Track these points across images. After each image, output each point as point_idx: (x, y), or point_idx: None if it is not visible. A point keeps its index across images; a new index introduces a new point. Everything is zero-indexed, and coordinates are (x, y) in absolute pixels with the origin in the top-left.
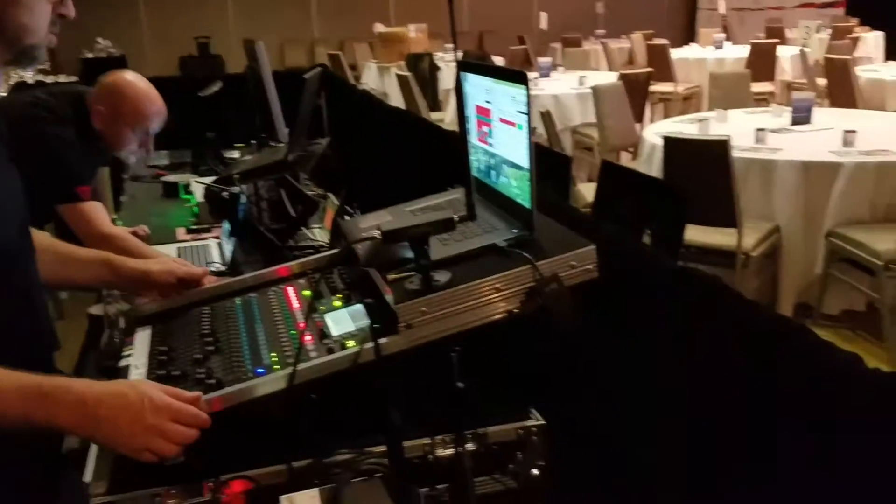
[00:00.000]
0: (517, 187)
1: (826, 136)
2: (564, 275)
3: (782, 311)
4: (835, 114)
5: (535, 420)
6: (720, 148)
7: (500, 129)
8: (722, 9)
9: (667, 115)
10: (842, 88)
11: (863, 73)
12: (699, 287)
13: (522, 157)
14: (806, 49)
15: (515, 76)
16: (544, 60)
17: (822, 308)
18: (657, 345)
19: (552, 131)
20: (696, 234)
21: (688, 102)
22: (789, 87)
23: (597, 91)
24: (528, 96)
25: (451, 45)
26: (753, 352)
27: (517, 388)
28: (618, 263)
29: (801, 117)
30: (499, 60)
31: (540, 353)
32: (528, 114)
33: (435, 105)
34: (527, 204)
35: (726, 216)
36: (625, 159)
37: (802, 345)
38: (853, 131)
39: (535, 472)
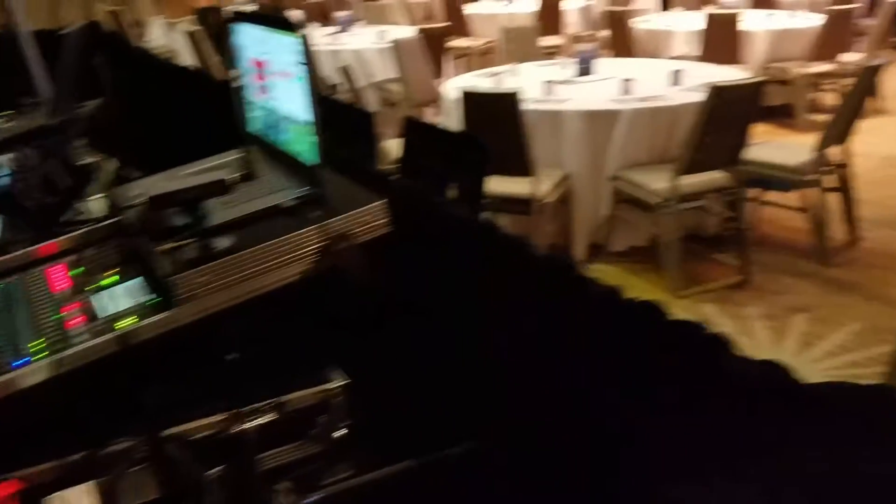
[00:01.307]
0: (301, 143)
1: (607, 85)
2: (356, 231)
3: (577, 251)
4: (616, 64)
5: (339, 380)
6: (511, 101)
7: (279, 82)
8: None
9: (468, 70)
10: (622, 39)
11: (639, 23)
12: (486, 234)
13: (304, 111)
14: (590, 2)
15: (289, 25)
16: (343, 14)
17: (611, 246)
18: (451, 292)
19: (354, 87)
20: (496, 184)
21: (486, 57)
22: (576, 39)
23: (397, 46)
24: (306, 46)
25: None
26: (532, 291)
27: (318, 349)
28: (412, 216)
29: (585, 68)
30: (296, 14)
31: (338, 312)
32: (308, 64)
33: (232, 62)
34: (312, 160)
35: (522, 166)
36: (431, 114)
37: (571, 282)
38: (630, 79)
39: (339, 433)
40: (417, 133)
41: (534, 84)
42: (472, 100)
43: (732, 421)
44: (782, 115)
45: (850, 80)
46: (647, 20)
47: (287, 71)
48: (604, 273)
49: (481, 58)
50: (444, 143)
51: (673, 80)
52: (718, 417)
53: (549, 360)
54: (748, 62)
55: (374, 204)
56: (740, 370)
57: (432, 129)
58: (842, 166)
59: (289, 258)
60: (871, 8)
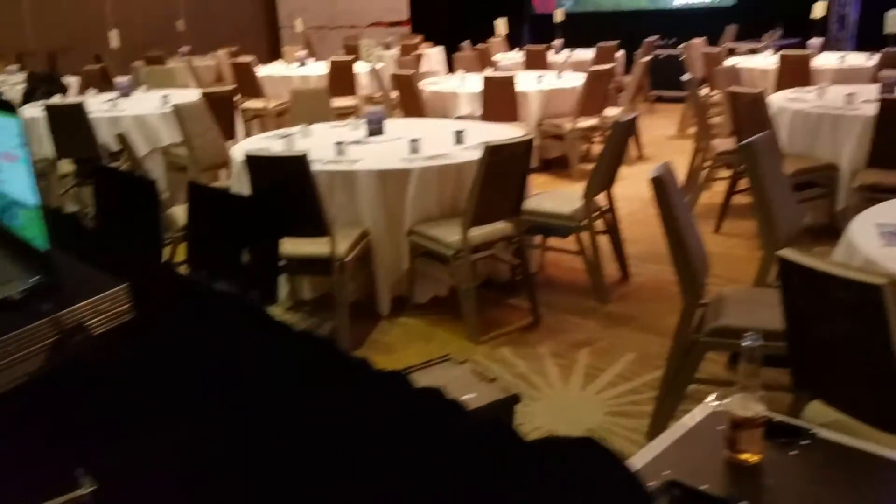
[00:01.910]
0: (32, 228)
1: (397, 144)
2: (93, 321)
3: (381, 305)
4: (405, 124)
5: (87, 487)
6: (299, 163)
7: (4, 165)
8: (299, 28)
9: (263, 131)
10: (411, 101)
11: (426, 85)
12: (246, 316)
13: (28, 194)
14: (378, 65)
15: (7, 106)
16: (122, 80)
17: (415, 299)
18: (209, 384)
19: (133, 155)
20: (292, 246)
21: (282, 118)
22: (369, 100)
23: (178, 110)
24: (22, 126)
25: (14, 67)
26: (290, 375)
27: (60, 454)
28: (160, 299)
29: (375, 129)
30: (74, 81)
31: (81, 412)
32: (26, 145)
33: None
34: (42, 245)
35: (318, 227)
36: (225, 176)
37: (328, 361)
38: (417, 139)
39: None
40: (202, 198)
41: (325, 145)
42: (257, 163)
43: (453, 485)
44: (559, 166)
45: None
46: (434, 82)
47: (10, 153)
48: (408, 326)
49: (277, 119)
50: (231, 207)
51: (456, 139)
52: (442, 482)
53: (308, 448)
54: (525, 120)
55: (113, 289)
56: (467, 434)
57: (218, 194)
58: (608, 210)
59: (17, 357)
60: (629, 66)
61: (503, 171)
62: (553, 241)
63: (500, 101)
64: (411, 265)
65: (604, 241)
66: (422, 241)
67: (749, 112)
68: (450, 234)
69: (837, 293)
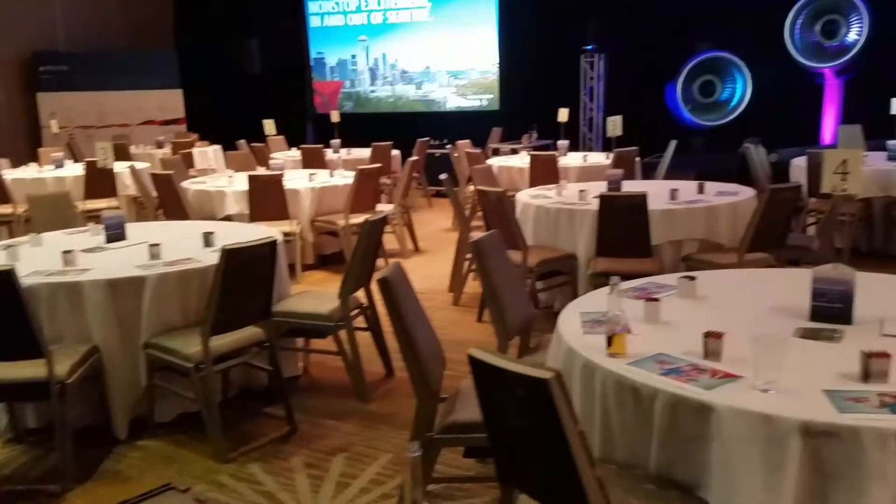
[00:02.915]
0: None
1: (135, 251)
2: None
3: (117, 429)
4: (154, 227)
5: None
6: (4, 279)
7: None
8: (54, 128)
9: (11, 238)
10: (173, 201)
11: (192, 185)
12: None
13: None
14: (141, 165)
15: None
16: None
17: (157, 417)
18: None
19: None
20: (3, 370)
21: (30, 224)
22: (135, 200)
23: None
24: None
25: None
26: None
27: None
28: None
29: (115, 234)
30: None
31: None
32: None
33: None
34: None
35: (29, 348)
36: None
37: None
38: (158, 244)
39: None
40: None
41: (55, 254)
42: None
43: None
44: (336, 262)
45: (386, 228)
46: (201, 182)
47: None
48: (149, 449)
49: (26, 225)
50: None
51: (205, 242)
52: None
53: None
54: (297, 217)
55: None
56: None
57: None
58: (368, 307)
59: None
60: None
61: (245, 275)
62: (317, 342)
63: (267, 199)
64: (149, 382)
65: (367, 339)
66: (159, 355)
67: (494, 208)
68: (189, 346)
69: (514, 388)
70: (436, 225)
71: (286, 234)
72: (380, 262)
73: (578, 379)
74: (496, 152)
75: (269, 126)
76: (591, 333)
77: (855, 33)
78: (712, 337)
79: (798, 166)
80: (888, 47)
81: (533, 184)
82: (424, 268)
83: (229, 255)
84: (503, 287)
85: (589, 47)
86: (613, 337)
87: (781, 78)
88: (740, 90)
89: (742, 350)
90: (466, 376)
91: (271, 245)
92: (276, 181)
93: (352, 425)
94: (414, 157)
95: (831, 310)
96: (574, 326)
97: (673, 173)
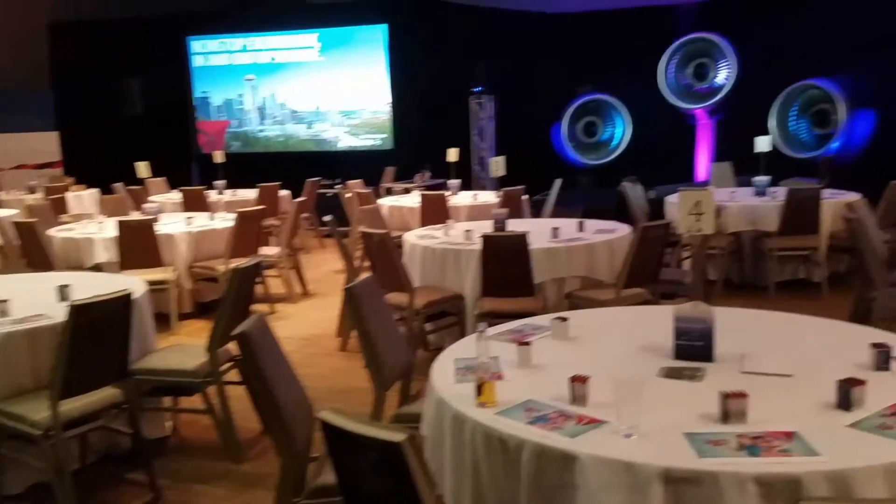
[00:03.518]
0: None
1: None
2: None
3: None
4: (5, 280)
5: None
6: None
7: None
8: None
9: None
10: (36, 250)
11: (58, 232)
12: None
13: None
14: (9, 212)
15: None
16: None
17: (7, 489)
18: None
19: None
20: None
21: None
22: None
23: None
24: None
25: None
26: None
27: None
28: None
29: None
30: None
31: None
32: None
33: None
34: None
35: None
36: None
37: None
38: (6, 300)
39: None
40: None
41: None
42: None
43: None
44: (217, 310)
45: (273, 271)
46: (69, 229)
47: None
48: None
49: None
50: None
51: (60, 296)
52: None
53: None
54: (174, 263)
55: None
56: None
57: None
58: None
59: None
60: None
61: (97, 332)
62: (185, 400)
63: (138, 246)
64: None
65: (244, 392)
66: (4, 422)
67: (379, 250)
68: (37, 411)
69: (367, 452)
70: (328, 266)
71: (159, 283)
72: (264, 307)
73: (449, 430)
74: (389, 191)
75: (142, 169)
76: (463, 382)
77: (724, 76)
78: (578, 381)
79: (672, 203)
80: (753, 89)
81: (424, 223)
82: (312, 312)
83: (78, 311)
84: (380, 333)
85: (477, 89)
86: (482, 386)
87: (658, 119)
88: (620, 130)
89: (608, 393)
90: None
91: (125, 299)
92: (147, 226)
93: (223, 489)
94: (301, 199)
95: (693, 348)
96: (447, 375)
97: (560, 210)
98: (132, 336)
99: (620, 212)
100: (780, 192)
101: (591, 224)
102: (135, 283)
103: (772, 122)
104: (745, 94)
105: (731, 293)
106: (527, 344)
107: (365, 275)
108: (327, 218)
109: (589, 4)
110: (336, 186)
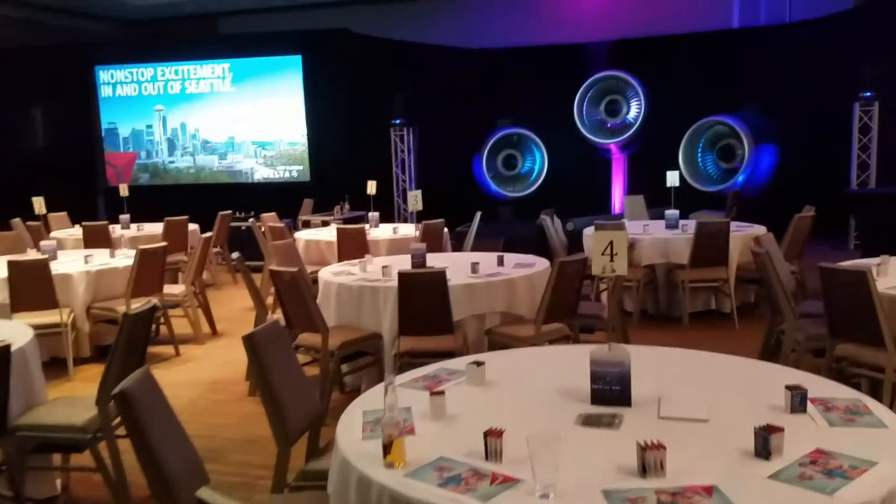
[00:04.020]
0: None
1: None
2: None
3: None
4: None
5: None
6: None
7: None
8: None
9: None
10: None
11: None
12: None
13: None
14: None
15: None
16: None
17: None
18: None
19: None
20: None
21: None
22: None
23: None
24: None
25: None
26: None
27: None
28: None
29: None
30: None
31: None
32: None
33: None
34: None
35: None
36: None
37: None
38: None
39: None
40: None
41: None
42: None
43: None
44: None
45: (179, 310)
46: None
47: None
48: None
49: None
50: None
51: None
52: None
53: None
54: (70, 305)
55: None
56: None
57: None
58: None
59: None
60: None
61: None
62: (76, 457)
63: (31, 287)
64: None
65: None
66: None
67: (290, 289)
68: None
69: None
70: (239, 303)
71: (54, 326)
72: (168, 350)
73: (355, 493)
74: (307, 224)
75: (38, 204)
76: (371, 438)
77: (634, 112)
78: (493, 435)
79: (589, 235)
80: (663, 124)
81: (341, 258)
82: (221, 353)
83: None
84: (284, 384)
85: (397, 121)
86: (391, 444)
87: (575, 152)
88: (539, 164)
89: (524, 446)
90: (256, 482)
91: (3, 352)
92: (42, 266)
93: None
94: (208, 234)
95: (610, 393)
96: (353, 429)
97: (482, 242)
98: (15, 390)
99: (541, 243)
100: (691, 226)
101: (511, 258)
102: (20, 329)
103: (680, 157)
104: (656, 129)
105: (647, 324)
106: (440, 393)
107: (274, 316)
108: (235, 255)
109: (507, 41)
110: (249, 220)
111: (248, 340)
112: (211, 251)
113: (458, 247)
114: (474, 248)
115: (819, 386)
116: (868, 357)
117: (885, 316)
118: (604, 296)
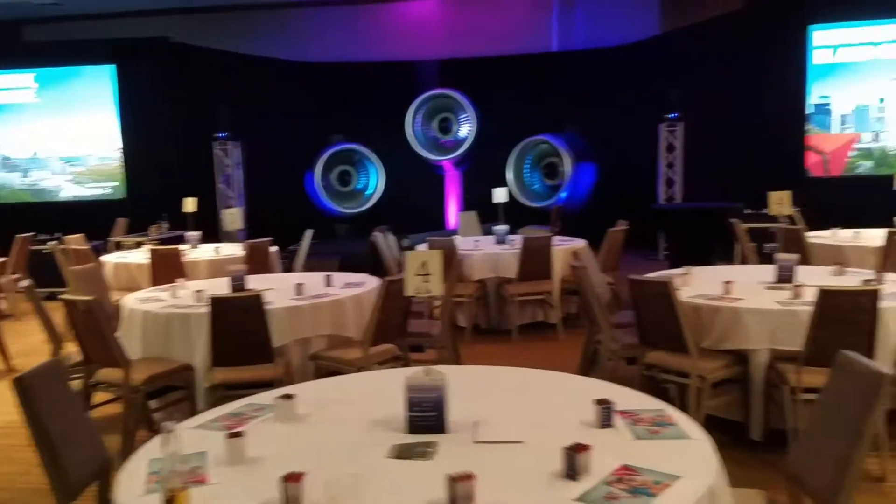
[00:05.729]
0: None
1: None
2: None
3: None
4: None
5: None
6: None
7: None
8: None
9: None
10: None
11: None
12: None
13: None
14: None
15: None
16: None
17: None
18: None
19: None
20: None
21: None
22: None
23: None
24: None
25: None
26: None
27: None
28: None
29: None
30: None
31: None
32: None
33: None
34: None
35: None
36: None
37: None
38: None
39: None
40: None
41: None
42: None
43: None
44: None
45: None
46: None
47: None
48: None
49: None
50: None
51: None
52: None
53: None
54: None
55: None
56: None
57: None
58: None
59: None
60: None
61: None
62: None
63: None
64: None
65: None
66: None
67: (86, 320)
68: None
69: None
70: (40, 335)
71: None
72: None
73: None
74: (119, 246)
75: None
76: (154, 492)
77: (466, 130)
78: (291, 480)
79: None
80: (493, 143)
81: (156, 282)
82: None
83: None
84: (63, 432)
85: (221, 135)
86: (173, 498)
87: (409, 169)
88: (374, 180)
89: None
90: None
91: None
92: None
93: None
94: (4, 258)
95: (426, 420)
96: (135, 483)
97: (316, 261)
98: None
99: (375, 261)
100: (518, 241)
101: (340, 277)
102: None
103: (509, 174)
104: (486, 147)
105: (480, 338)
106: (238, 435)
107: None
108: (25, 282)
109: (340, 55)
110: (51, 242)
111: (19, 384)
112: (8, 278)
113: (288, 268)
114: (308, 268)
115: (628, 397)
116: (674, 363)
117: (688, 324)
118: (437, 312)
